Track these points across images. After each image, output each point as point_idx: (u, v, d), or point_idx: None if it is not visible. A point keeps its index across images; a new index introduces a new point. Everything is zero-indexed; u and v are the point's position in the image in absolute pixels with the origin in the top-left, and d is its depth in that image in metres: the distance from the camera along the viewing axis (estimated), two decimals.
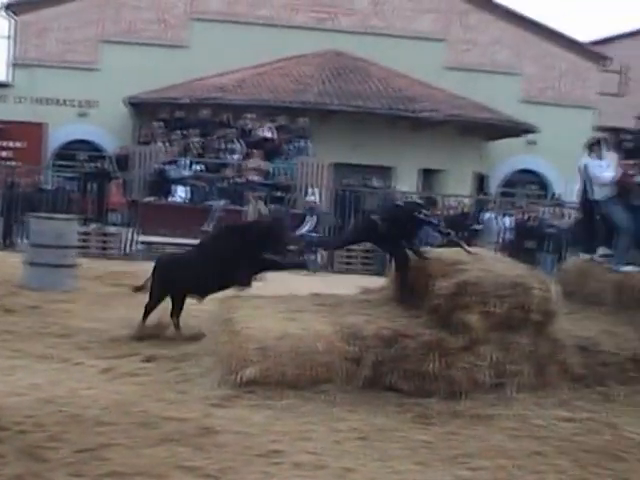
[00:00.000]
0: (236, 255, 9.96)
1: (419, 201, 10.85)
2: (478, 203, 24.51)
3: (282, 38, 28.20)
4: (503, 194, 28.52)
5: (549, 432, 7.34)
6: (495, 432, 7.25)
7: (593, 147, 10.76)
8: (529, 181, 30.77)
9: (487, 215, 22.73)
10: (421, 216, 9.21)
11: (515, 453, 6.74)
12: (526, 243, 20.88)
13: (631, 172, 10.50)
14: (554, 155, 27.98)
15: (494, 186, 29.90)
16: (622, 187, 10.43)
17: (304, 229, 20.71)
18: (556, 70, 30.83)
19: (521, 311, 8.24)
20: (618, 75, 32.00)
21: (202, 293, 10.46)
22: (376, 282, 10.12)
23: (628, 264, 10.25)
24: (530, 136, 29.01)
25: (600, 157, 10.70)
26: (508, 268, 8.79)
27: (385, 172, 26.97)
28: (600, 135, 11.35)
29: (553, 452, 6.83)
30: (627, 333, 9.06)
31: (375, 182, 25.99)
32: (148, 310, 10.46)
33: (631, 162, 10.68)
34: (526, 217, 22.37)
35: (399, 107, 26.36)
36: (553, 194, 28.94)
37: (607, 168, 10.58)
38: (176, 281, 10.47)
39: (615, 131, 11.38)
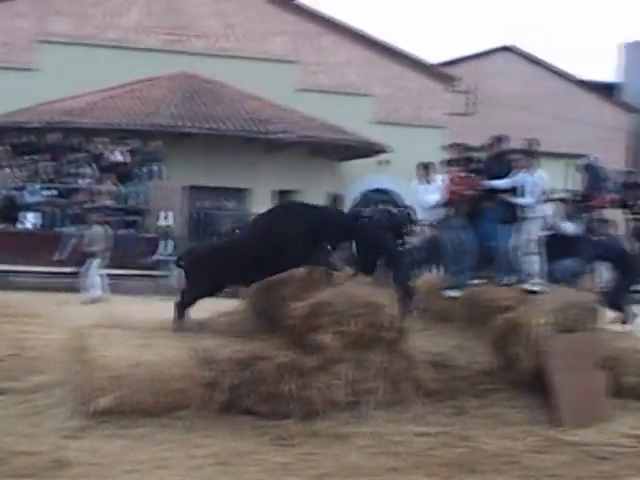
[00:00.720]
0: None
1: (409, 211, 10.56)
2: None
3: (132, 61, 27.95)
4: None
5: (405, 448, 7.44)
6: (352, 450, 7.31)
7: (421, 172, 10.91)
8: (383, 200, 31.11)
9: None
10: (404, 231, 9.18)
11: (372, 470, 6.81)
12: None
13: (463, 187, 10.33)
14: (407, 174, 28.20)
15: (348, 206, 30.20)
16: (455, 205, 10.39)
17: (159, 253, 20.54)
18: (405, 91, 31.46)
19: (374, 329, 8.35)
20: (466, 95, 32.91)
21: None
22: (231, 305, 10.07)
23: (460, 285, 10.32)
24: (383, 156, 29.45)
25: (428, 181, 10.82)
26: (361, 287, 8.88)
27: (240, 194, 26.97)
28: (430, 161, 11.16)
29: (409, 467, 6.93)
30: (477, 347, 9.29)
31: (229, 204, 25.95)
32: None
33: (463, 174, 10.46)
34: None
35: (252, 129, 26.45)
36: None
37: (434, 191, 10.58)
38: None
39: (459, 146, 11.34)
